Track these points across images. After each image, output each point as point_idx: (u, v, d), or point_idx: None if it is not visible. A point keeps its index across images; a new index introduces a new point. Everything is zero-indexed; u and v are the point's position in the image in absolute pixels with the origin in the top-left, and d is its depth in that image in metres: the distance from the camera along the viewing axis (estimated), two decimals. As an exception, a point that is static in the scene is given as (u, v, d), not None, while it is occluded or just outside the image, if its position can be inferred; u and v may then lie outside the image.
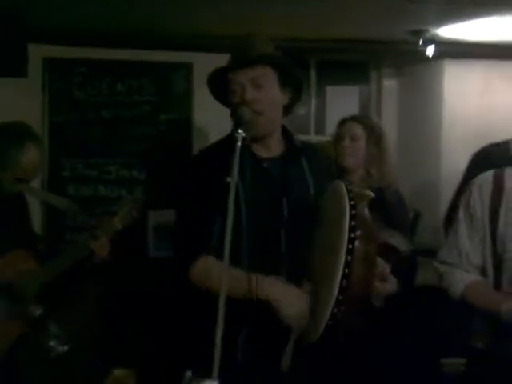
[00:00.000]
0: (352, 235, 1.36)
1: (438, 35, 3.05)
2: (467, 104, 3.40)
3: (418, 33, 3.00)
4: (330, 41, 3.34)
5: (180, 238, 1.65)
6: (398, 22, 2.96)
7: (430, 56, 3.05)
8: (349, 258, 1.36)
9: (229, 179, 1.32)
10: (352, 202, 1.38)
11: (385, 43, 3.29)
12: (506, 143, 2.61)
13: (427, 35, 2.99)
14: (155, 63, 3.19)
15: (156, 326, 2.98)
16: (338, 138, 2.44)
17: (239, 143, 1.37)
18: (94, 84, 3.14)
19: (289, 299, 1.48)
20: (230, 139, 1.55)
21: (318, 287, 1.51)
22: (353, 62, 3.65)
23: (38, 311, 1.95)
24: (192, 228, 1.59)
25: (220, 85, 1.61)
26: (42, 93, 3.12)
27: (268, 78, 1.55)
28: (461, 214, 1.77)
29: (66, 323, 2.11)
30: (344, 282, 1.36)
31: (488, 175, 1.75)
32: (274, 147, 1.65)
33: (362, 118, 2.59)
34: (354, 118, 2.56)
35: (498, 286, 1.71)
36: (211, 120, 3.25)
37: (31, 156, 2.00)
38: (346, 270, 1.36)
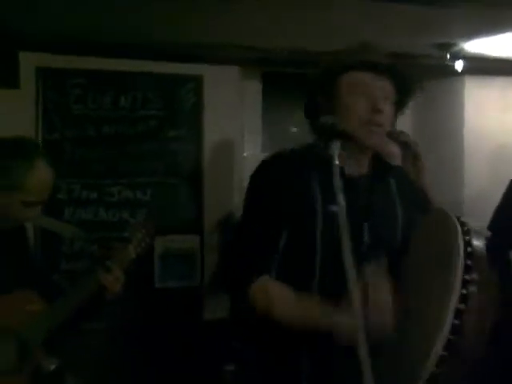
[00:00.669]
0: (467, 277, 1.14)
1: (464, 49, 2.90)
2: (487, 122, 3.27)
3: (444, 46, 2.84)
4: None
5: (241, 253, 1.45)
6: (423, 35, 2.80)
7: (460, 71, 2.89)
8: (461, 306, 1.13)
9: (334, 208, 1.17)
10: (467, 238, 1.16)
11: (403, 57, 3.12)
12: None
13: (455, 49, 2.84)
14: (162, 75, 2.92)
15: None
16: None
17: (337, 162, 1.16)
18: (94, 97, 2.85)
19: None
20: (310, 150, 1.42)
21: (408, 338, 1.27)
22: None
23: (52, 365, 1.63)
24: (255, 245, 1.41)
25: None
26: (35, 106, 2.81)
27: (392, 91, 1.40)
28: None
29: (83, 373, 1.81)
30: (453, 336, 1.13)
31: None
32: (364, 164, 1.46)
33: (395, 134, 2.41)
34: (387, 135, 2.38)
35: None
36: (222, 136, 3.02)
37: (43, 174, 1.69)
38: (456, 322, 1.13)
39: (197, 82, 2.95)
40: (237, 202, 2.82)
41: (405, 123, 3.57)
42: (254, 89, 3.30)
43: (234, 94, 3.07)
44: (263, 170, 1.47)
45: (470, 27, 2.65)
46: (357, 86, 1.36)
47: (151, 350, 2.74)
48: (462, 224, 1.19)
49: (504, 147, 3.23)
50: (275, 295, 1.36)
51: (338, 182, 1.13)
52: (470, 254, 1.14)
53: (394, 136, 2.36)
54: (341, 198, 1.13)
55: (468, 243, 1.15)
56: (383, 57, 1.42)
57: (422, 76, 3.36)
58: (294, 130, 3.36)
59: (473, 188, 3.19)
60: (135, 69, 2.89)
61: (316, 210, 1.32)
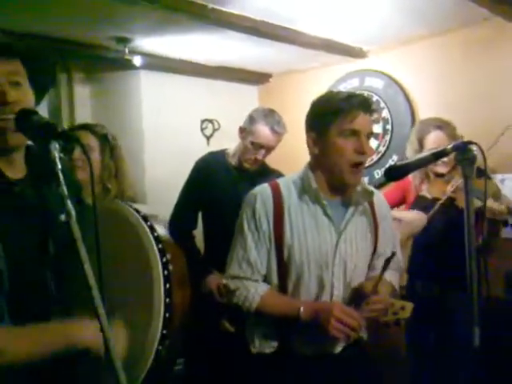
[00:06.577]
0: (164, 259, 1.20)
1: (142, 46, 2.99)
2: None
3: (122, 40, 2.87)
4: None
5: None
6: (103, 26, 2.74)
7: (138, 65, 2.97)
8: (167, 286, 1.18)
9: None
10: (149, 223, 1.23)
11: (81, 45, 3.02)
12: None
13: (132, 44, 2.90)
14: None
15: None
16: None
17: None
18: None
19: None
20: None
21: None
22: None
23: None
24: None
25: None
26: None
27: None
28: None
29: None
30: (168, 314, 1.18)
31: None
32: None
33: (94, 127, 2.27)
34: None
35: None
36: None
37: None
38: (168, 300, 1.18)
39: None
40: None
41: (85, 114, 3.51)
42: None
43: None
44: None
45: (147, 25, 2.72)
46: None
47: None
48: (137, 211, 1.24)
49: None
50: None
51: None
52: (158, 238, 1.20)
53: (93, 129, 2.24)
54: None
55: (152, 228, 1.21)
56: None
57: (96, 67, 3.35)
58: None
59: (154, 178, 3.34)
60: None
61: None
